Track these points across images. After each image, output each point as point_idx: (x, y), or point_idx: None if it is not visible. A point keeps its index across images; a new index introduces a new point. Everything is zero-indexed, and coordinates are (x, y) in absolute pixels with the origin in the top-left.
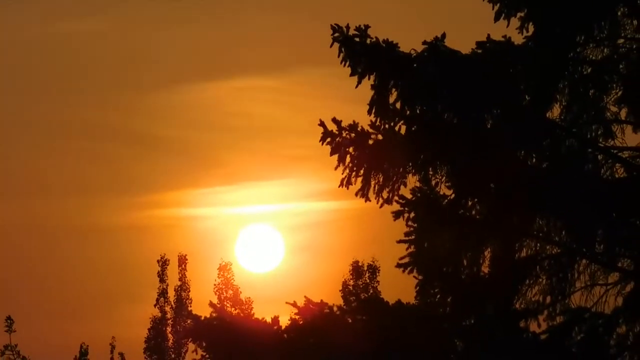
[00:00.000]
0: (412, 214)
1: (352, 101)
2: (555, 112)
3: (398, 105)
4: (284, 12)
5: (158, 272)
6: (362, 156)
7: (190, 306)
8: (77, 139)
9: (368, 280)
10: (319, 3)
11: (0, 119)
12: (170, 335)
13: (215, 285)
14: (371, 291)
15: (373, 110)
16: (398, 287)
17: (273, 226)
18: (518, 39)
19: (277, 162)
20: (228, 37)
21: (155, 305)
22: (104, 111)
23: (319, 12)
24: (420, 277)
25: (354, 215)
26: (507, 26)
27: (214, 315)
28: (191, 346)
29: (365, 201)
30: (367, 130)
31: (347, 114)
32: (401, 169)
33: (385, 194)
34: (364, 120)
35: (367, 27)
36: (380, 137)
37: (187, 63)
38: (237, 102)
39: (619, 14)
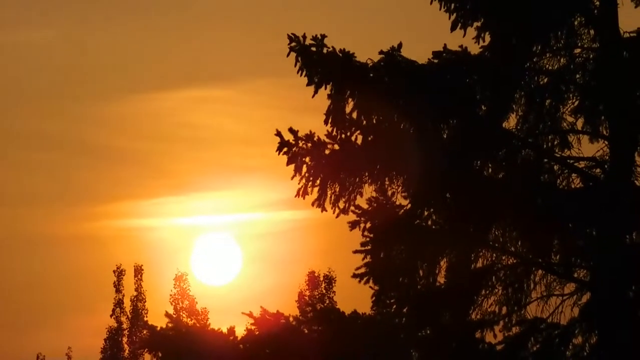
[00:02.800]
0: (369, 224)
1: (305, 111)
2: (511, 122)
3: (354, 115)
4: (235, 24)
5: (114, 283)
6: (318, 166)
7: (146, 316)
8: (29, 149)
9: (324, 291)
10: (273, 13)
11: None
12: (126, 345)
13: (171, 295)
14: (327, 301)
15: (329, 120)
16: (354, 297)
17: (228, 236)
18: (474, 49)
19: (228, 172)
20: (178, 48)
21: (111, 316)
22: (54, 121)
23: (272, 22)
24: (376, 288)
25: (310, 225)
26: (464, 36)
27: (170, 325)
28: (147, 356)
29: (322, 211)
30: (324, 140)
31: (300, 123)
32: (357, 179)
33: (341, 204)
34: (320, 130)
35: (323, 36)
36: (336, 147)
37: (137, 74)
38: (187, 112)
39: (576, 23)
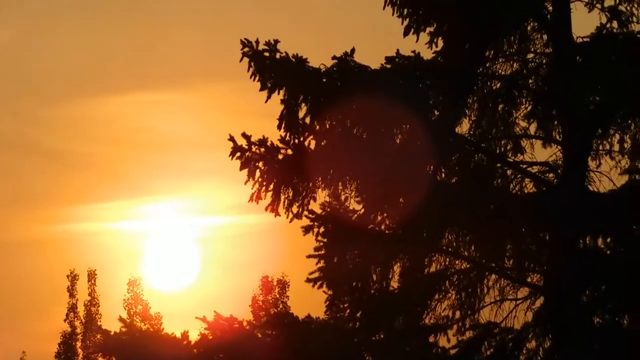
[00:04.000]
0: (322, 229)
1: (258, 115)
2: (464, 127)
3: (308, 120)
4: (191, 27)
5: (68, 287)
6: (271, 171)
7: (100, 321)
8: None
9: (278, 295)
10: (226, 17)
11: None
12: (80, 350)
13: (124, 300)
14: (281, 306)
15: (283, 125)
16: (308, 302)
17: (182, 240)
18: (427, 54)
19: (182, 176)
20: (133, 50)
21: (65, 320)
22: (6, 122)
23: (226, 26)
24: (329, 292)
25: (264, 230)
26: (417, 41)
27: (123, 330)
28: None
29: (275, 216)
30: (277, 145)
31: (253, 128)
32: (311, 184)
33: (295, 209)
34: (274, 134)
35: (276, 42)
36: (289, 151)
37: (92, 76)
38: (141, 116)
39: (529, 28)
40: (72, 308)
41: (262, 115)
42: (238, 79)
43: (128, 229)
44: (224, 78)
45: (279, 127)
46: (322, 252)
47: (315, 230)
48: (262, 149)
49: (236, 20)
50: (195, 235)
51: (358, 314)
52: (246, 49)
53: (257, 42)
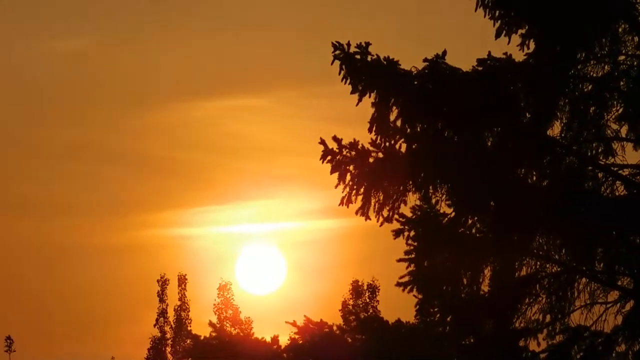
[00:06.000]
0: (412, 233)
1: (341, 121)
2: (555, 129)
3: (399, 123)
4: (278, 32)
5: (158, 292)
6: (362, 174)
7: (190, 326)
8: (72, 160)
9: (368, 300)
10: (311, 23)
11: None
12: (169, 355)
13: (214, 305)
14: (371, 310)
15: (374, 128)
16: (398, 306)
17: (271, 245)
18: (519, 56)
19: (268, 181)
20: (219, 57)
21: (154, 325)
22: (97, 131)
23: (313, 31)
24: (420, 296)
25: (354, 234)
26: (508, 43)
27: (213, 335)
28: None
29: (366, 220)
30: (368, 148)
31: (336, 132)
32: (401, 187)
33: (385, 213)
34: (362, 137)
35: (368, 44)
36: (380, 155)
37: (178, 82)
38: (226, 121)
39: (620, 30)
40: (162, 313)
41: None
42: (322, 83)
43: (217, 234)
44: (308, 83)
45: (369, 130)
46: (413, 256)
47: (406, 234)
48: (353, 153)
49: (324, 25)
50: (283, 239)
51: (448, 318)
52: (337, 52)
53: (349, 45)
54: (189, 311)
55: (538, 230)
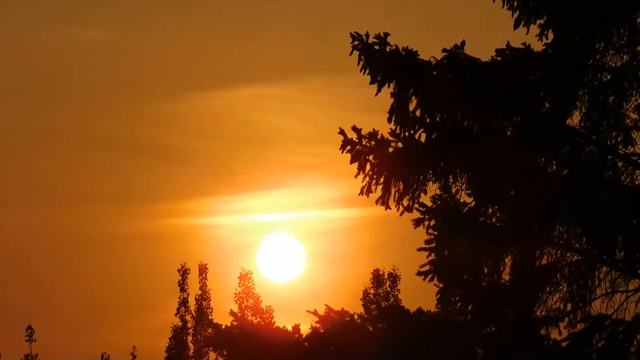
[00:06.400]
0: (433, 222)
1: (358, 109)
2: (575, 119)
3: (418, 113)
4: (296, 22)
5: (179, 281)
6: (382, 164)
7: (211, 315)
8: (92, 149)
9: (389, 289)
10: (328, 13)
11: (18, 130)
12: (191, 344)
13: (235, 294)
14: (392, 299)
15: (393, 118)
16: (419, 295)
17: (292, 234)
18: (538, 46)
19: (288, 170)
20: (238, 46)
21: (176, 315)
22: (118, 121)
23: (328, 21)
24: (440, 285)
25: (374, 223)
26: (527, 33)
27: (234, 323)
28: (212, 355)
29: (386, 209)
30: (387, 138)
31: (355, 121)
32: (421, 177)
33: (405, 202)
34: (381, 127)
35: (386, 34)
36: (400, 144)
37: (195, 72)
38: (244, 111)
39: (639, 20)
40: (183, 302)
41: (365, 109)
42: (341, 73)
43: (237, 223)
44: (326, 72)
45: (389, 120)
46: (433, 245)
47: (426, 223)
48: (373, 142)
49: (344, 15)
50: (303, 228)
51: (469, 307)
52: (356, 42)
53: (367, 35)
54: (210, 300)
55: (558, 219)
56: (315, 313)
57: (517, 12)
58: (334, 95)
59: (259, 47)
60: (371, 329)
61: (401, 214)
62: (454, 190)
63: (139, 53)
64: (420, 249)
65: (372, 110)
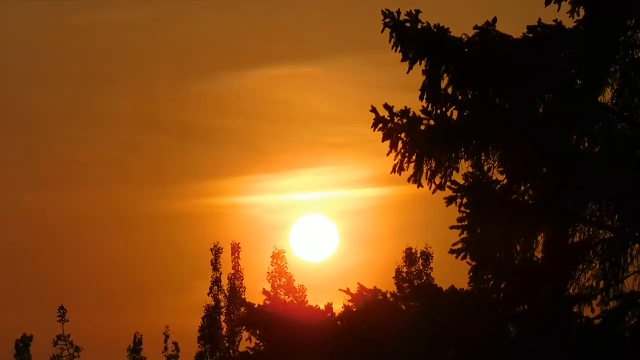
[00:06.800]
0: (465, 200)
1: (392, 88)
2: (606, 96)
3: (450, 90)
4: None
5: (211, 261)
6: (414, 142)
7: (244, 294)
8: (124, 129)
9: (421, 267)
10: None
11: (55, 112)
12: (224, 323)
13: (268, 273)
14: (424, 277)
15: (425, 96)
16: (451, 273)
17: (324, 214)
18: (569, 23)
19: (319, 149)
20: (266, 25)
21: (208, 294)
22: (148, 101)
23: None
24: (473, 263)
25: (406, 201)
26: (558, 10)
27: (267, 302)
28: (245, 334)
29: (418, 187)
30: (419, 115)
31: (386, 100)
32: (453, 154)
33: (437, 180)
34: (414, 105)
35: (417, 12)
36: (432, 122)
37: (225, 51)
38: (276, 90)
39: None
40: (216, 281)
41: (396, 88)
42: (371, 51)
43: (269, 202)
44: (351, 50)
45: (420, 98)
46: (465, 223)
47: (458, 201)
48: (404, 120)
49: None
50: (335, 207)
51: (501, 285)
52: (387, 20)
53: (399, 12)
54: (242, 279)
55: (591, 197)
56: (347, 292)
57: None
58: (365, 73)
59: (290, 26)
60: (404, 308)
61: (433, 192)
62: (486, 167)
63: (170, 32)
64: (452, 227)
65: (403, 88)
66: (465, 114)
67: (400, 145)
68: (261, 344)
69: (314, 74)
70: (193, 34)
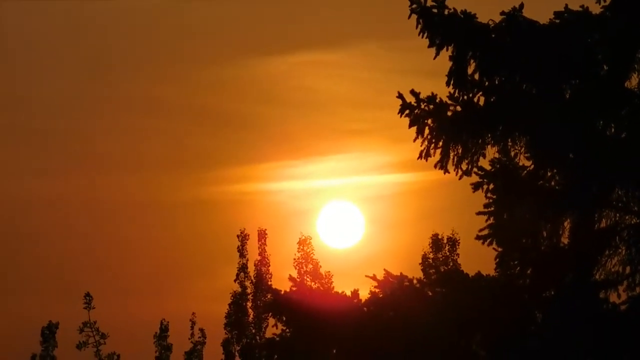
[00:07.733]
0: (491, 186)
1: (417, 74)
2: (633, 81)
3: (476, 76)
4: None
5: (238, 247)
6: (440, 128)
7: (270, 281)
8: (147, 116)
9: (448, 253)
10: None
11: (77, 98)
12: (250, 310)
13: (294, 259)
14: (451, 264)
15: (451, 82)
16: (478, 259)
17: (350, 200)
18: (595, 9)
19: (342, 135)
20: (287, 11)
21: (235, 281)
22: (170, 87)
23: None
24: (500, 249)
25: (432, 187)
26: None
27: (293, 289)
28: (271, 321)
29: (444, 173)
30: (446, 101)
31: (409, 86)
32: (480, 140)
33: (464, 166)
34: (441, 91)
35: None
36: (459, 108)
37: (247, 37)
38: (298, 76)
39: None
40: (243, 268)
41: (423, 74)
42: (393, 37)
43: (295, 188)
44: (373, 37)
45: (447, 84)
46: (492, 209)
47: (485, 187)
48: (431, 106)
49: None
50: (360, 193)
51: (528, 271)
52: (414, 6)
53: None
54: (269, 266)
55: (617, 182)
56: (374, 278)
57: None
58: (390, 60)
59: (314, 12)
60: (430, 294)
61: (460, 178)
62: (512, 153)
63: (192, 19)
64: (479, 213)
65: (429, 74)
66: (492, 100)
67: (427, 131)
68: (287, 330)
69: (338, 61)
70: (215, 19)
